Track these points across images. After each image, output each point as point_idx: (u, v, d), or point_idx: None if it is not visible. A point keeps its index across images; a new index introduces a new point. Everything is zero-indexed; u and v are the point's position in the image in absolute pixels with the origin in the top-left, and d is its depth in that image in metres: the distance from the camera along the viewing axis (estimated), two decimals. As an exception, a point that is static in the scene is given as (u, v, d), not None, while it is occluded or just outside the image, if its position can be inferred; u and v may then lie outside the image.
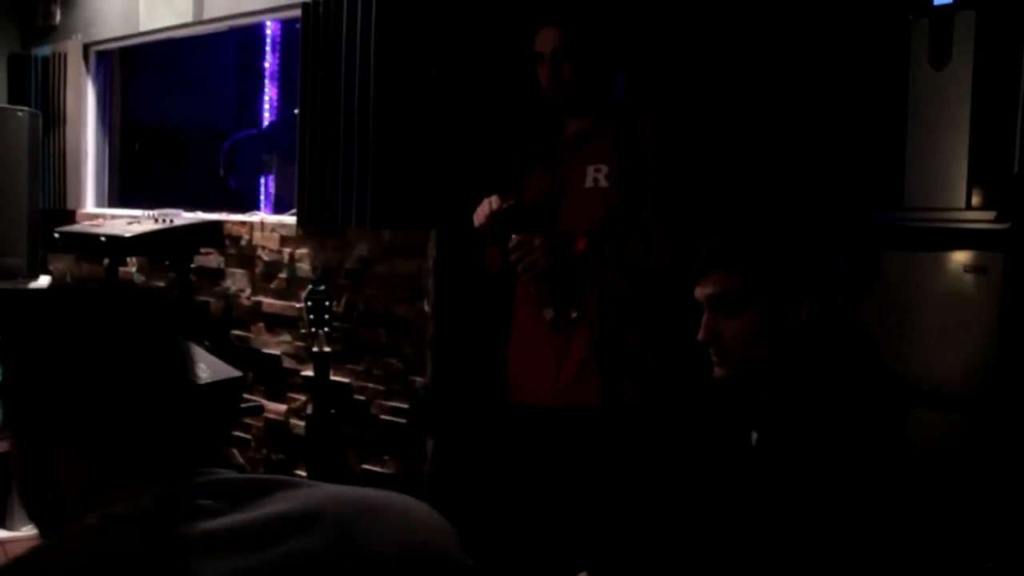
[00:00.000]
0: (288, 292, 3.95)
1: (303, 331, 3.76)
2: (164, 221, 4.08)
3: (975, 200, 2.69)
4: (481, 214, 2.55)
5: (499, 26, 3.35)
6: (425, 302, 3.42)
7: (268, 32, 5.54)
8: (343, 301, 3.67)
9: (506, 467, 2.78)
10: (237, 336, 4.15)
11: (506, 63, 3.28)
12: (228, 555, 0.85)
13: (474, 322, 3.34)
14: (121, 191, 5.49)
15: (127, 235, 3.87)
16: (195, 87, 6.22)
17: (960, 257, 2.62)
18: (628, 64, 2.94)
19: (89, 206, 5.34)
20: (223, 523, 0.87)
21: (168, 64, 5.80)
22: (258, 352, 4.04)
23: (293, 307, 3.90)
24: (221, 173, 6.05)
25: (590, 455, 2.50)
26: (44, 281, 4.60)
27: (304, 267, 3.88)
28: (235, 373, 2.96)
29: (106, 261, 4.21)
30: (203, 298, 4.28)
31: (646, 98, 3.12)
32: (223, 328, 4.19)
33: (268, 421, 3.97)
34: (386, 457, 3.55)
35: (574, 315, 2.51)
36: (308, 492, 0.93)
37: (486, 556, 1.01)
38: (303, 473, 3.56)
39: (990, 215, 2.62)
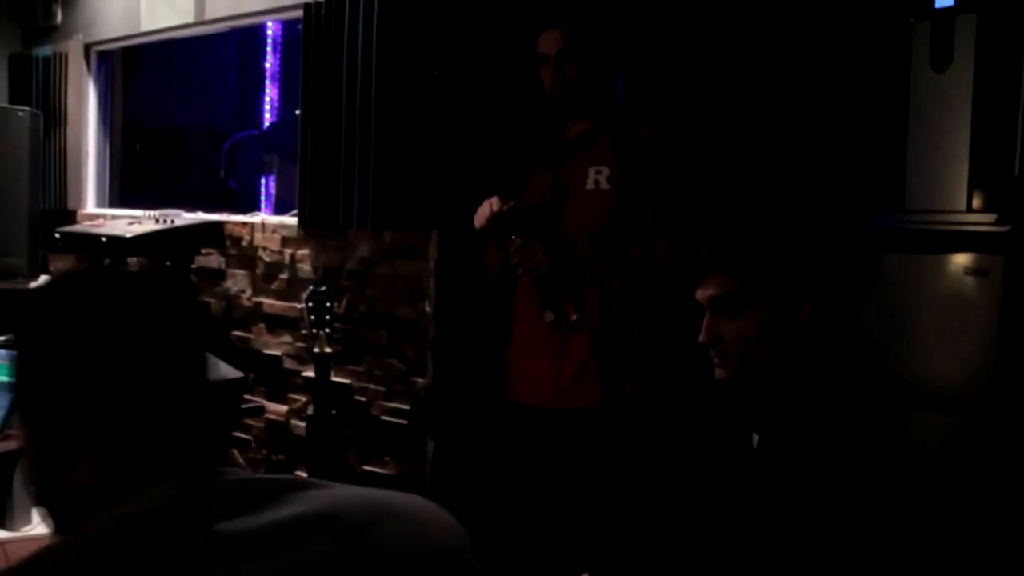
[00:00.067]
0: (289, 293, 3.95)
1: (304, 332, 3.76)
2: (165, 221, 4.08)
3: (976, 202, 2.69)
4: (482, 216, 2.55)
5: (501, 27, 3.36)
6: (426, 303, 3.43)
7: (269, 33, 5.53)
8: (344, 302, 3.67)
9: (507, 469, 2.78)
10: (238, 337, 4.16)
11: (508, 64, 3.28)
12: (244, 559, 0.84)
13: (475, 323, 3.34)
14: (122, 191, 5.49)
15: (128, 235, 3.87)
16: (196, 87, 6.22)
17: (960, 259, 2.63)
18: (629, 66, 2.95)
19: (90, 206, 5.35)
20: (239, 526, 0.86)
21: (169, 64, 5.80)
22: (259, 353, 4.04)
23: (294, 308, 3.90)
24: (222, 174, 6.05)
25: (590, 457, 2.51)
26: (44, 281, 4.60)
27: (305, 268, 3.88)
28: (236, 374, 2.96)
29: (107, 262, 4.21)
30: (204, 299, 4.29)
31: (647, 100, 3.13)
32: (224, 329, 4.19)
33: (269, 422, 3.97)
34: (387, 458, 3.55)
35: (574, 317, 2.51)
36: (324, 493, 0.92)
37: (488, 557, 1.01)
38: (303, 474, 3.56)
39: (991, 218, 2.62)
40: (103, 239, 3.91)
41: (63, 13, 5.42)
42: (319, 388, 3.28)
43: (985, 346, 2.56)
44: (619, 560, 2.35)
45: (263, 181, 5.63)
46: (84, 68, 5.28)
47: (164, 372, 0.95)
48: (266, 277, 4.06)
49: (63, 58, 5.24)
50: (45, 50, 5.37)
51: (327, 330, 3.25)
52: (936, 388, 2.58)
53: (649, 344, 2.51)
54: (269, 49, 5.55)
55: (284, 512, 0.88)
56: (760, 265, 1.66)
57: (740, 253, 1.68)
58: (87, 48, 5.28)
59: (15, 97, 5.41)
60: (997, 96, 2.67)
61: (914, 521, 1.52)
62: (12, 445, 2.26)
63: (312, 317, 3.24)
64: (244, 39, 5.82)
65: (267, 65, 5.55)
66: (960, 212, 2.69)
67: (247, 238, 4.14)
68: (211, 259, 4.26)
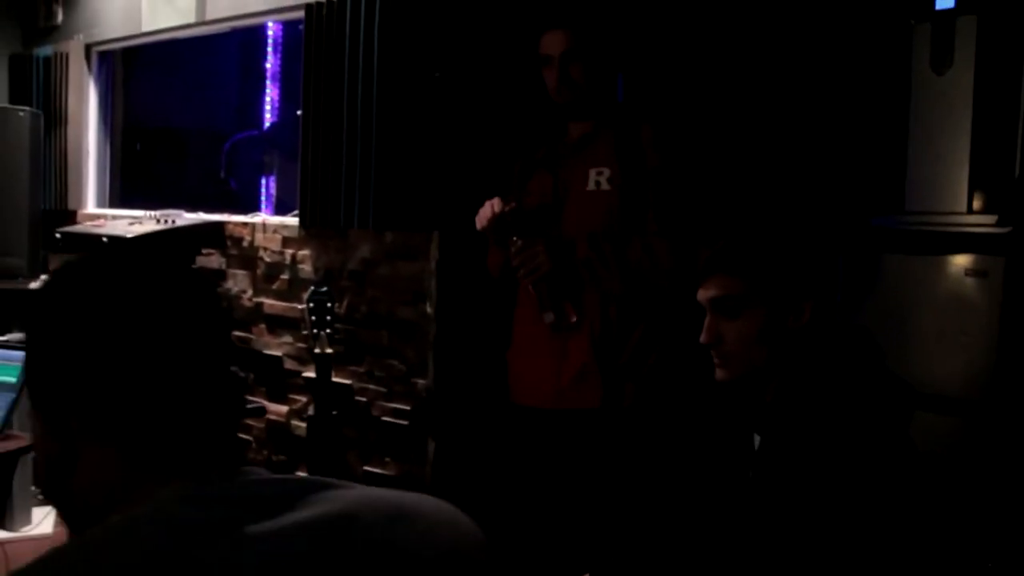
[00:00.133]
0: (290, 293, 3.95)
1: (305, 332, 3.76)
2: (166, 222, 4.08)
3: (976, 204, 2.69)
4: (483, 217, 2.56)
5: (503, 29, 3.36)
6: (427, 304, 3.43)
7: (270, 33, 5.53)
8: (345, 303, 3.68)
9: (507, 469, 2.79)
10: (239, 337, 4.15)
11: (509, 66, 3.29)
12: (262, 562, 0.81)
13: (476, 324, 3.34)
14: (122, 191, 5.50)
15: (129, 236, 3.88)
16: (197, 88, 6.22)
17: (961, 261, 2.63)
18: (630, 67, 2.95)
19: (90, 206, 5.35)
20: (257, 529, 0.82)
21: (170, 65, 5.80)
22: (260, 353, 4.04)
23: (295, 308, 3.90)
24: (222, 174, 6.06)
25: (591, 457, 2.51)
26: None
27: (306, 268, 3.88)
28: (237, 374, 2.97)
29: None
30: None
31: (648, 101, 3.13)
32: (224, 329, 4.19)
33: (269, 422, 3.97)
34: (387, 459, 3.55)
35: (573, 318, 2.52)
36: (342, 494, 0.89)
37: (499, 558, 1.02)
38: (303, 475, 3.56)
39: (991, 219, 2.62)
40: (104, 239, 3.91)
41: (64, 13, 5.42)
42: (320, 389, 3.28)
43: (985, 347, 2.56)
44: (620, 560, 2.35)
45: (263, 181, 5.63)
46: (85, 68, 5.28)
47: (182, 363, 0.89)
48: (267, 277, 4.06)
49: (64, 58, 5.24)
50: (46, 50, 5.38)
51: (328, 331, 3.25)
52: (936, 389, 2.58)
53: (649, 345, 2.51)
54: (270, 49, 5.55)
55: (303, 514, 0.85)
56: (761, 266, 1.66)
57: (741, 254, 1.68)
58: (88, 48, 5.28)
59: (16, 97, 5.41)
60: (997, 98, 2.67)
61: (915, 522, 1.52)
62: (12, 445, 2.26)
63: (313, 318, 3.24)
64: (245, 39, 5.82)
65: (268, 65, 5.55)
66: (960, 213, 2.69)
67: (248, 238, 4.14)
68: (212, 259, 4.27)
